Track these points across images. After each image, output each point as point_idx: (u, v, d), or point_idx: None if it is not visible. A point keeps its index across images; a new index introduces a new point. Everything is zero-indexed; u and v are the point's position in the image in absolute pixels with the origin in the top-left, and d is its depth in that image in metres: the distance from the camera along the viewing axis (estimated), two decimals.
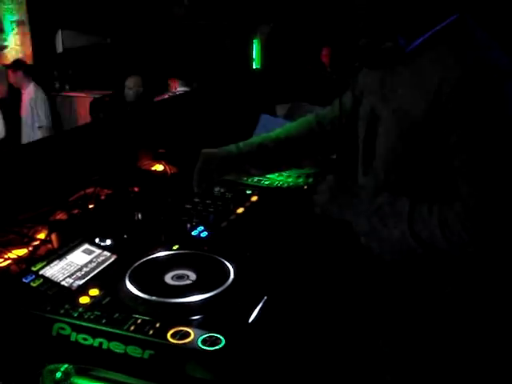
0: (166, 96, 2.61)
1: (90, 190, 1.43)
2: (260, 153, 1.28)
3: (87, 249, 1.09)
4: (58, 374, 0.83)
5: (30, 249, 1.17)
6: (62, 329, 0.88)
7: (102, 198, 1.41)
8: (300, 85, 1.95)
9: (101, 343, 0.86)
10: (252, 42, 2.28)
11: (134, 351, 0.84)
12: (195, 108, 1.85)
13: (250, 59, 2.17)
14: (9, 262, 1.11)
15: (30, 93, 3.74)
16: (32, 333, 0.90)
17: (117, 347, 0.85)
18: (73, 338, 0.88)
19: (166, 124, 1.78)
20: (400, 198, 0.98)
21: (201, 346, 0.82)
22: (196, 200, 1.31)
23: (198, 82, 1.90)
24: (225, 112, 1.87)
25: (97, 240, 1.12)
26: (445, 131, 0.93)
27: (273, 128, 1.76)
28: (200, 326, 0.87)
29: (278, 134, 1.32)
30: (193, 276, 0.98)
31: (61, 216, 1.31)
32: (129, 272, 0.98)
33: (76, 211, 1.33)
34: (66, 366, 0.84)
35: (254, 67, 2.23)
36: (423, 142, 0.97)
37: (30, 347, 0.89)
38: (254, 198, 1.32)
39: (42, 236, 1.22)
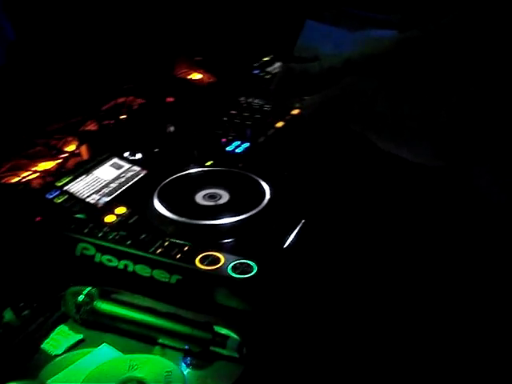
0: None
1: (122, 100, 1.36)
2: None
3: (116, 163, 1.03)
4: (81, 297, 0.78)
5: (59, 161, 1.12)
6: (86, 249, 0.83)
7: (135, 107, 1.34)
8: None
9: (126, 265, 0.81)
10: None
11: (160, 275, 0.79)
12: (235, 12, 1.73)
13: None
14: (36, 175, 1.06)
15: None
16: (55, 253, 0.86)
17: (143, 270, 0.80)
18: (97, 259, 0.83)
19: (204, 29, 1.67)
20: None
21: (231, 273, 0.76)
22: (233, 112, 1.23)
23: None
24: (267, 17, 1.74)
25: (126, 154, 1.05)
26: None
27: (319, 35, 1.65)
28: (231, 250, 0.80)
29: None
30: (225, 196, 0.91)
31: (91, 127, 1.25)
32: (158, 190, 0.92)
33: (107, 122, 1.27)
34: (89, 288, 0.79)
35: None
36: None
37: (53, 267, 0.85)
38: (295, 111, 1.22)
39: (71, 148, 1.17)
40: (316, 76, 1.20)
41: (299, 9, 1.76)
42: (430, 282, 1.00)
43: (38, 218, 0.88)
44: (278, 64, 1.50)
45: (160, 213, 0.87)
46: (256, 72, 1.45)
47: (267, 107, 1.24)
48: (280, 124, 1.17)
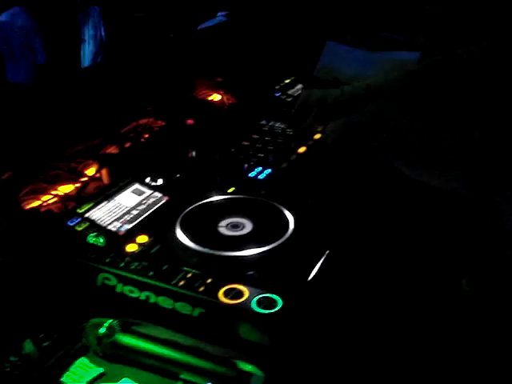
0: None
1: (142, 121, 1.35)
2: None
3: (137, 189, 1.02)
4: (102, 330, 0.77)
5: (79, 185, 1.11)
6: (107, 279, 0.82)
7: (156, 129, 1.33)
8: (374, 10, 1.79)
9: (148, 297, 0.80)
10: None
11: (183, 308, 0.78)
12: (256, 33, 1.73)
13: None
14: (56, 199, 1.05)
15: None
16: (76, 282, 0.85)
17: (165, 302, 0.79)
18: (118, 290, 0.81)
19: (225, 50, 1.66)
20: None
21: (255, 307, 0.74)
22: (254, 136, 1.21)
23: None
24: (287, 37, 1.73)
25: (147, 179, 1.04)
26: None
27: (339, 56, 1.64)
28: (255, 284, 0.79)
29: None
30: (249, 225, 0.90)
31: (112, 150, 1.24)
32: (180, 218, 0.91)
33: (128, 144, 1.26)
34: (110, 321, 0.78)
35: None
36: None
37: (74, 298, 0.84)
38: (318, 136, 1.21)
39: (91, 171, 1.16)
40: (338, 102, 1.18)
41: (320, 30, 1.75)
42: (456, 310, 0.98)
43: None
44: (299, 86, 1.48)
45: (183, 243, 0.85)
46: (277, 94, 1.44)
47: (289, 131, 1.23)
48: (302, 149, 1.16)
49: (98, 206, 0.96)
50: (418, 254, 1.07)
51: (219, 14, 2.60)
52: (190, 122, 1.34)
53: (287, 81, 1.51)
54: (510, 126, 0.93)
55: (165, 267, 0.82)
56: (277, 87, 1.47)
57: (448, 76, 1.13)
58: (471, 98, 1.15)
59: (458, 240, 1.09)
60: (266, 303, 0.75)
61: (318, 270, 0.84)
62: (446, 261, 1.07)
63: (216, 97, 1.55)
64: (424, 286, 1.07)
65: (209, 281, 0.79)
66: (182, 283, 0.79)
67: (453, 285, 1.07)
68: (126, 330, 0.78)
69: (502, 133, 0.85)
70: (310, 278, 0.82)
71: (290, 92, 1.45)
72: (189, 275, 0.80)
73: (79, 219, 0.92)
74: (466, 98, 1.15)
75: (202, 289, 0.78)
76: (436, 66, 1.15)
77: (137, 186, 1.03)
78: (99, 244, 0.87)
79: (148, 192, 1.01)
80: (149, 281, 0.80)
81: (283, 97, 1.42)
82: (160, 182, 1.04)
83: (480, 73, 1.10)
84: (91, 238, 0.88)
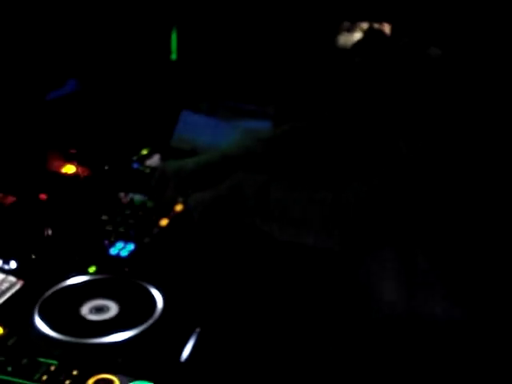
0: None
1: None
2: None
3: None
4: None
5: None
6: None
7: (6, 206, 1.25)
8: (227, 80, 1.83)
9: None
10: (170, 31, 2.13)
11: None
12: (109, 103, 1.70)
13: (168, 50, 2.02)
14: None
15: None
16: None
17: None
18: None
19: (77, 120, 1.61)
20: None
21: None
22: (114, 210, 1.17)
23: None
24: (143, 107, 1.72)
25: None
26: None
27: (195, 125, 1.65)
28: (126, 370, 0.74)
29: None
30: (114, 307, 0.85)
31: None
32: (38, 305, 0.84)
33: None
34: None
35: (171, 59, 2.07)
36: None
37: None
38: (179, 208, 1.19)
39: None
40: (194, 172, 1.19)
41: (175, 100, 1.76)
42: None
43: None
44: (157, 157, 1.47)
45: (42, 332, 0.79)
46: (135, 165, 1.41)
47: (150, 204, 1.20)
48: (165, 222, 1.13)
49: None
50: (293, 318, 1.07)
51: (69, 81, 2.54)
52: (42, 196, 1.27)
53: (144, 151, 1.49)
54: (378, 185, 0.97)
55: (25, 361, 0.75)
56: (134, 158, 1.44)
57: (296, 142, 1.18)
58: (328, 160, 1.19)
59: (330, 299, 1.10)
60: None
61: (192, 348, 0.81)
62: (319, 321, 1.08)
63: (70, 169, 1.48)
64: (301, 351, 1.06)
65: (75, 373, 0.73)
66: (44, 378, 0.73)
67: (328, 346, 1.07)
68: None
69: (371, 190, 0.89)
70: (183, 358, 0.79)
71: (148, 163, 1.42)
72: (52, 368, 0.74)
73: None
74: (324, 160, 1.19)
75: (67, 382, 0.72)
76: (285, 134, 1.20)
77: None
78: None
79: (1, 277, 0.94)
80: (7, 378, 0.73)
81: (141, 168, 1.40)
82: (13, 264, 0.97)
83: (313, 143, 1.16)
84: None
